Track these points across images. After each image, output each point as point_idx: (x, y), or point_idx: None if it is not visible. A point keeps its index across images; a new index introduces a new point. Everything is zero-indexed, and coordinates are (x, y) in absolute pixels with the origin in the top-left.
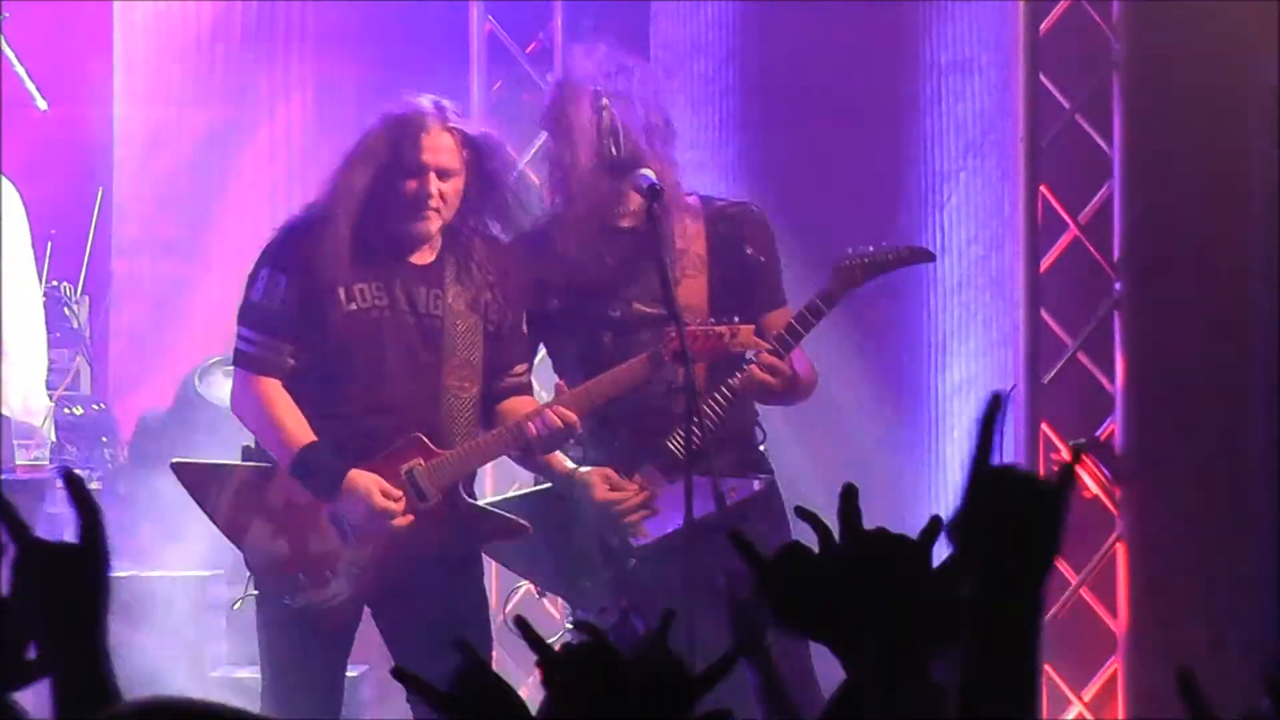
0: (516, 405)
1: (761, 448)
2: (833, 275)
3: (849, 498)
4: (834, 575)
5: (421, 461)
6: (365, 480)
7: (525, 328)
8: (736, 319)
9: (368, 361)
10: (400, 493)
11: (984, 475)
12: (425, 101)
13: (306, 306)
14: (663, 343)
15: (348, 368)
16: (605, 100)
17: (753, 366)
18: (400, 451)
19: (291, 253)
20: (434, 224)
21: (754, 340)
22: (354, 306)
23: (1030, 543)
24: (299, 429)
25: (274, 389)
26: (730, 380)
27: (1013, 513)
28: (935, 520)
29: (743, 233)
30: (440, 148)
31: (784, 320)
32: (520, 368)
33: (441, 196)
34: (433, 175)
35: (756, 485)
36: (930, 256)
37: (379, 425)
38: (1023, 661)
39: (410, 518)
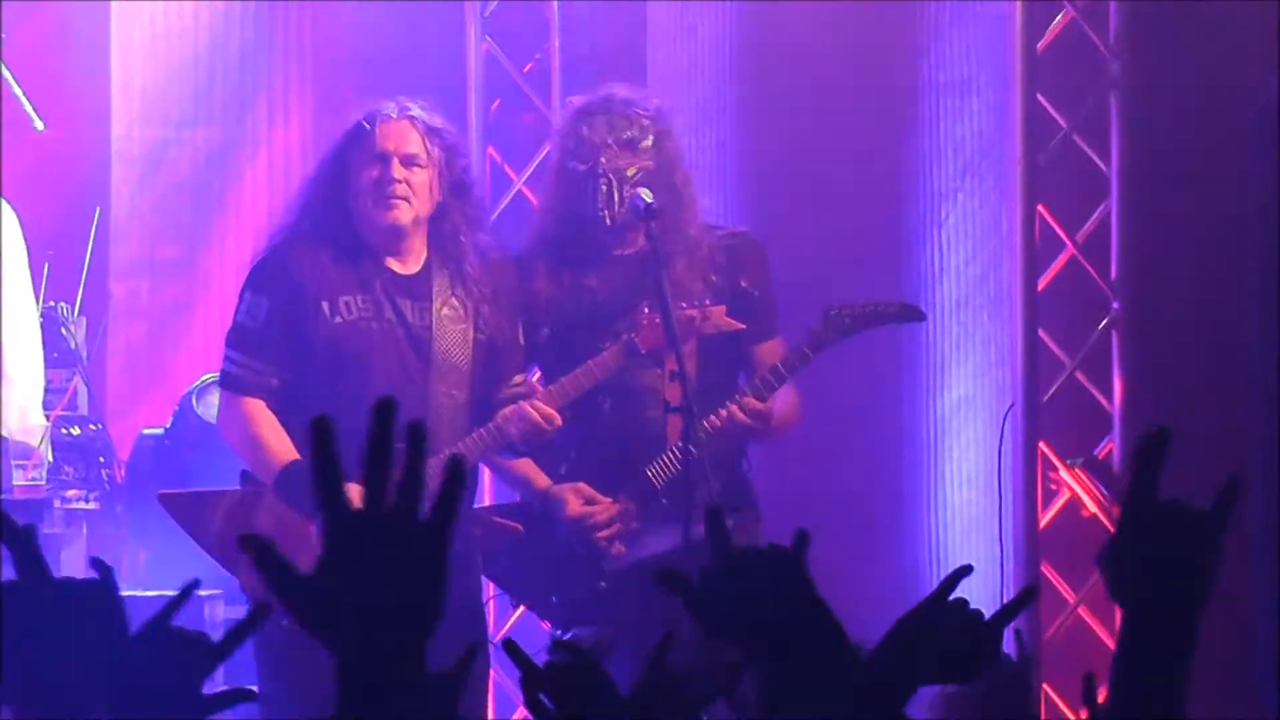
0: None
1: (747, 474)
2: (823, 321)
3: (714, 517)
4: (716, 596)
5: None
6: (349, 492)
7: (522, 339)
8: (707, 301)
9: (356, 372)
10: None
11: (1144, 510)
12: (384, 102)
13: (291, 324)
14: (635, 332)
15: (336, 380)
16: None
17: (734, 407)
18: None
19: (272, 272)
20: (404, 213)
21: (726, 321)
22: (339, 319)
23: (1186, 579)
24: (282, 447)
25: (258, 409)
26: (711, 418)
27: (1171, 547)
28: (802, 532)
29: (738, 264)
30: (400, 135)
31: (776, 353)
32: (519, 378)
33: (409, 184)
34: (395, 161)
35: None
36: (921, 316)
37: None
38: (1171, 693)
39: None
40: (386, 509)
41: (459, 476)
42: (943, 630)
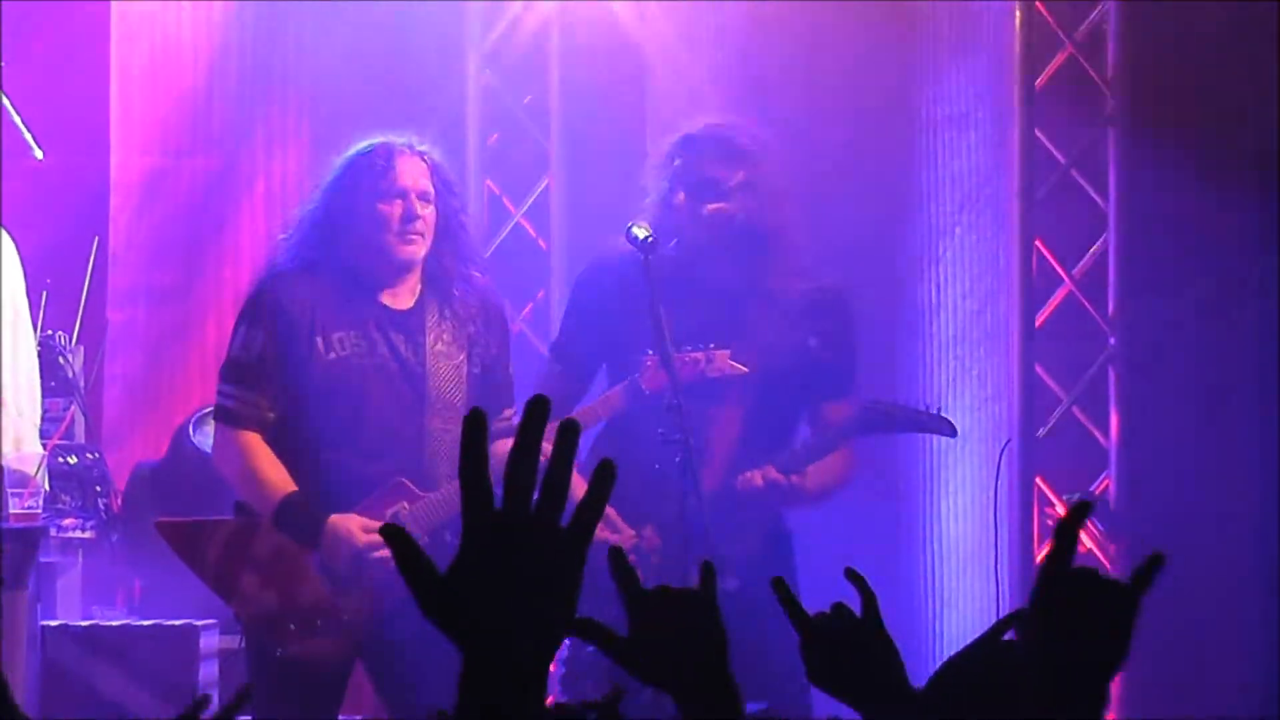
0: (505, 449)
1: (787, 530)
2: (857, 414)
3: (617, 560)
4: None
5: (406, 505)
6: (346, 523)
7: (511, 370)
8: (713, 344)
9: (350, 408)
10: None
11: (1059, 576)
12: (388, 135)
13: (285, 358)
14: (639, 372)
15: (330, 416)
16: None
17: (756, 474)
18: (384, 497)
19: (265, 306)
20: (419, 249)
21: (731, 365)
22: (333, 355)
23: (1099, 647)
24: (279, 480)
25: (254, 442)
26: (731, 481)
27: (1083, 617)
28: (707, 564)
29: (812, 320)
30: (416, 171)
31: (844, 414)
32: (508, 412)
33: (424, 221)
34: (415, 198)
35: (732, 584)
36: (954, 432)
37: (364, 471)
38: None
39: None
40: (528, 512)
41: (607, 483)
42: (992, 672)
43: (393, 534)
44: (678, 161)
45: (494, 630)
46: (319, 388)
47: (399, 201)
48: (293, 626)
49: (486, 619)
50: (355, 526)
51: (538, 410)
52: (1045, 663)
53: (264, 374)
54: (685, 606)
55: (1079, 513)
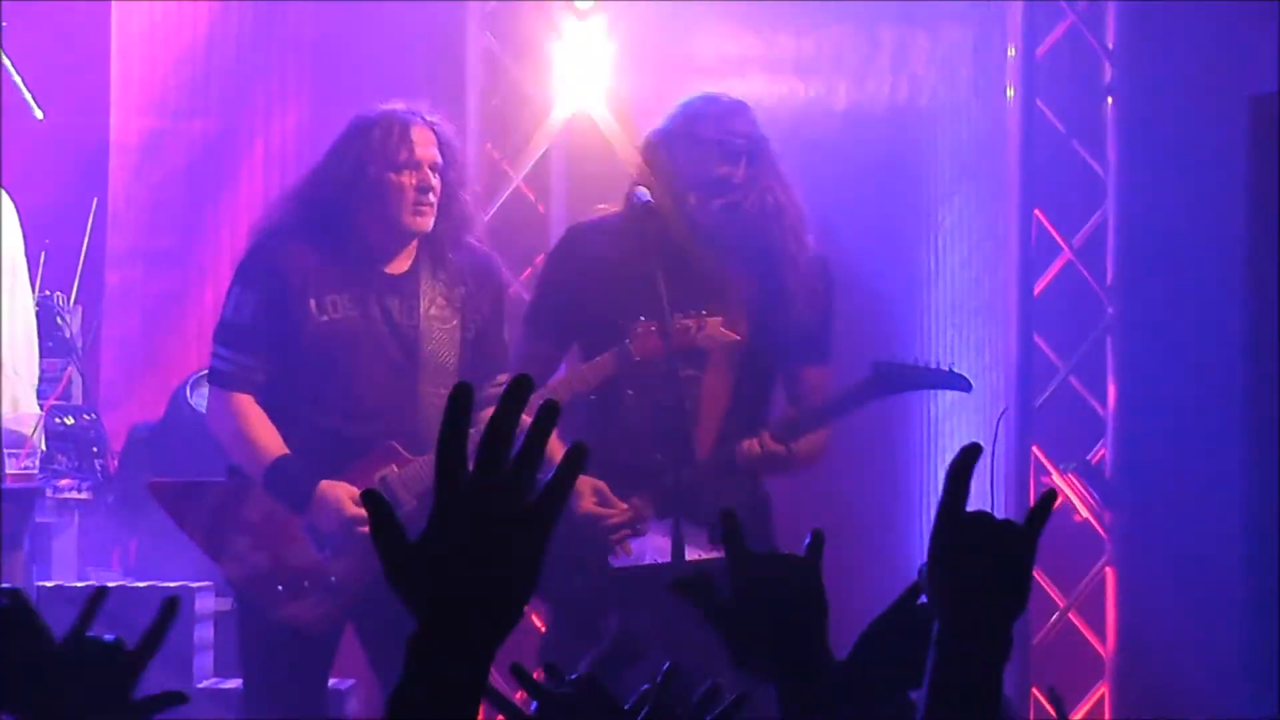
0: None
1: (767, 494)
2: (871, 376)
3: (728, 520)
4: (735, 607)
5: (395, 468)
6: (336, 490)
7: (506, 336)
8: (704, 310)
9: (343, 371)
10: None
11: (952, 524)
12: (396, 104)
13: (278, 320)
14: (630, 339)
15: (323, 378)
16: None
17: (752, 443)
18: (374, 460)
19: (260, 268)
20: (429, 220)
21: (722, 332)
22: (326, 318)
23: (997, 591)
24: (271, 442)
25: (246, 404)
26: (721, 453)
27: (980, 561)
28: (818, 534)
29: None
30: (429, 141)
31: (822, 379)
32: (502, 377)
33: (435, 191)
34: (428, 169)
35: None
36: (969, 386)
37: (356, 434)
38: (984, 706)
39: None
40: (498, 480)
41: (577, 466)
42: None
43: (371, 499)
44: (681, 159)
45: (450, 602)
46: (311, 350)
47: (412, 172)
48: (281, 588)
49: (445, 591)
50: (345, 496)
51: (519, 389)
52: (946, 611)
53: (257, 336)
54: (791, 572)
55: (969, 456)
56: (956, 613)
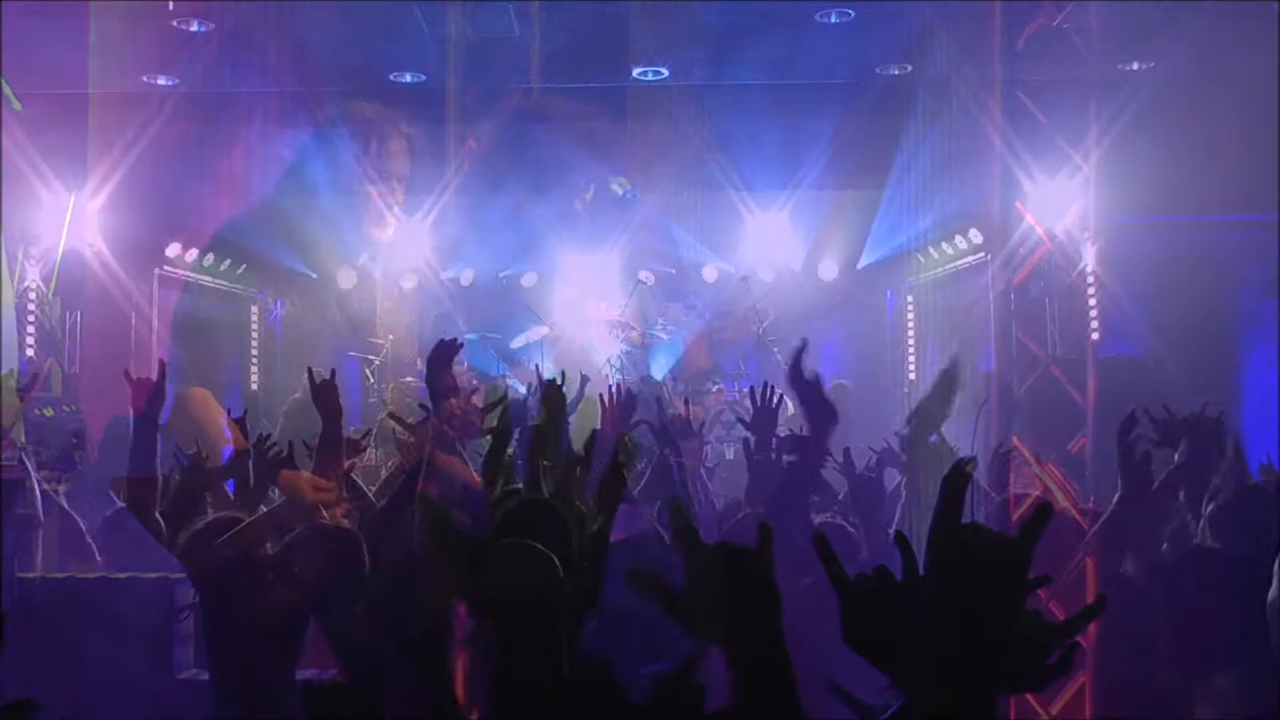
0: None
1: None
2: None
3: (678, 515)
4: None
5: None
6: (295, 478)
7: None
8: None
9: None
10: (331, 484)
11: (949, 536)
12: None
13: None
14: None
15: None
16: None
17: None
18: (339, 453)
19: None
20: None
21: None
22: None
23: (994, 598)
24: (232, 434)
25: (207, 397)
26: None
27: (976, 572)
28: (766, 526)
29: None
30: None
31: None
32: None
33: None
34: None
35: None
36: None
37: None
38: (982, 701)
39: (348, 507)
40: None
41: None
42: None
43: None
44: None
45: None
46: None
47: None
48: (244, 580)
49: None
50: (304, 483)
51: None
52: (944, 618)
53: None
54: (742, 563)
55: (963, 473)
56: (954, 620)
